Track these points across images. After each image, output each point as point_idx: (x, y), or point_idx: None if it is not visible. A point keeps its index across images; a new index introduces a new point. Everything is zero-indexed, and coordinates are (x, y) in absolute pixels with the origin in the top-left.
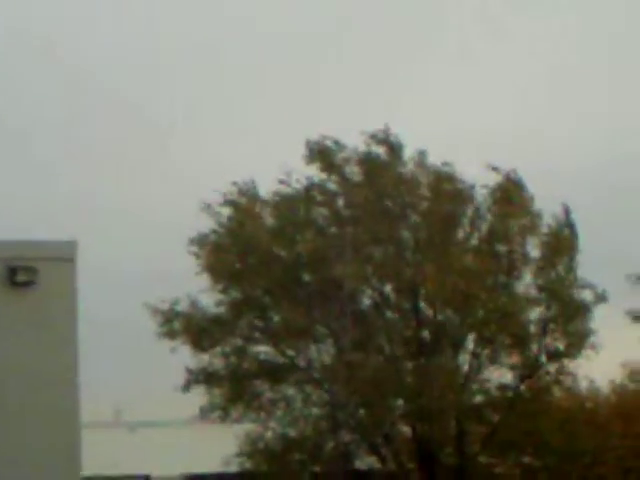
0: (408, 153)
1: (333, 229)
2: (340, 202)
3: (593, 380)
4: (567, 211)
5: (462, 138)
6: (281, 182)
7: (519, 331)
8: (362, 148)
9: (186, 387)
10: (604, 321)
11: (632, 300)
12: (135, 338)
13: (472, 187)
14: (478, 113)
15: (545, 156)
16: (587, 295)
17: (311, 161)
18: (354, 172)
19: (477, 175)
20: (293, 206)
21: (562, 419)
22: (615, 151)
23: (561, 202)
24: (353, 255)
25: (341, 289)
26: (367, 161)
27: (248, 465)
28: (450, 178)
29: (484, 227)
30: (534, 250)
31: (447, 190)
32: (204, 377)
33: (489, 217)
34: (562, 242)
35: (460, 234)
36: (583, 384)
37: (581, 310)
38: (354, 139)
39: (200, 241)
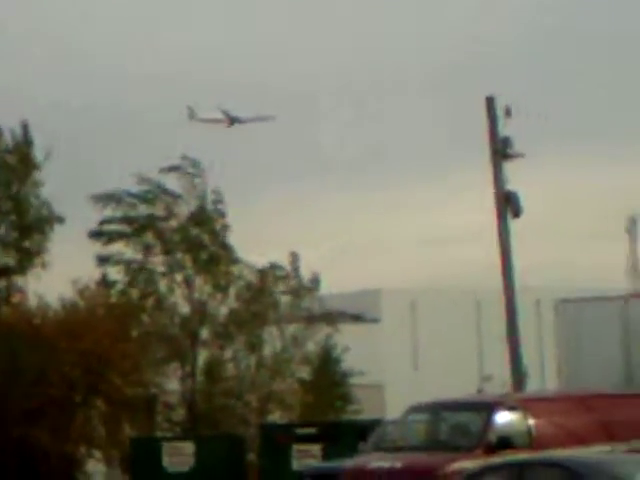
0: None
1: None
2: None
3: (43, 296)
4: (26, 129)
5: None
6: None
7: None
8: None
9: None
10: (61, 238)
11: (92, 218)
12: None
13: None
14: None
15: None
16: (44, 212)
17: None
18: None
19: None
20: None
21: (6, 336)
22: None
23: (20, 119)
24: None
25: None
26: None
27: None
28: None
29: None
30: None
31: None
32: None
33: None
34: (23, 160)
35: None
36: (33, 301)
37: (36, 227)
38: None
39: None
